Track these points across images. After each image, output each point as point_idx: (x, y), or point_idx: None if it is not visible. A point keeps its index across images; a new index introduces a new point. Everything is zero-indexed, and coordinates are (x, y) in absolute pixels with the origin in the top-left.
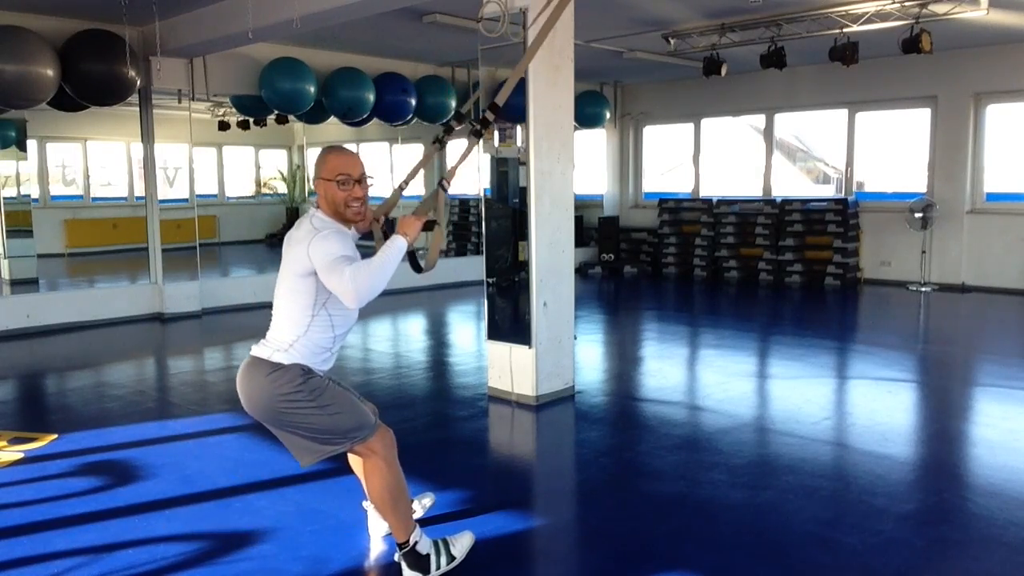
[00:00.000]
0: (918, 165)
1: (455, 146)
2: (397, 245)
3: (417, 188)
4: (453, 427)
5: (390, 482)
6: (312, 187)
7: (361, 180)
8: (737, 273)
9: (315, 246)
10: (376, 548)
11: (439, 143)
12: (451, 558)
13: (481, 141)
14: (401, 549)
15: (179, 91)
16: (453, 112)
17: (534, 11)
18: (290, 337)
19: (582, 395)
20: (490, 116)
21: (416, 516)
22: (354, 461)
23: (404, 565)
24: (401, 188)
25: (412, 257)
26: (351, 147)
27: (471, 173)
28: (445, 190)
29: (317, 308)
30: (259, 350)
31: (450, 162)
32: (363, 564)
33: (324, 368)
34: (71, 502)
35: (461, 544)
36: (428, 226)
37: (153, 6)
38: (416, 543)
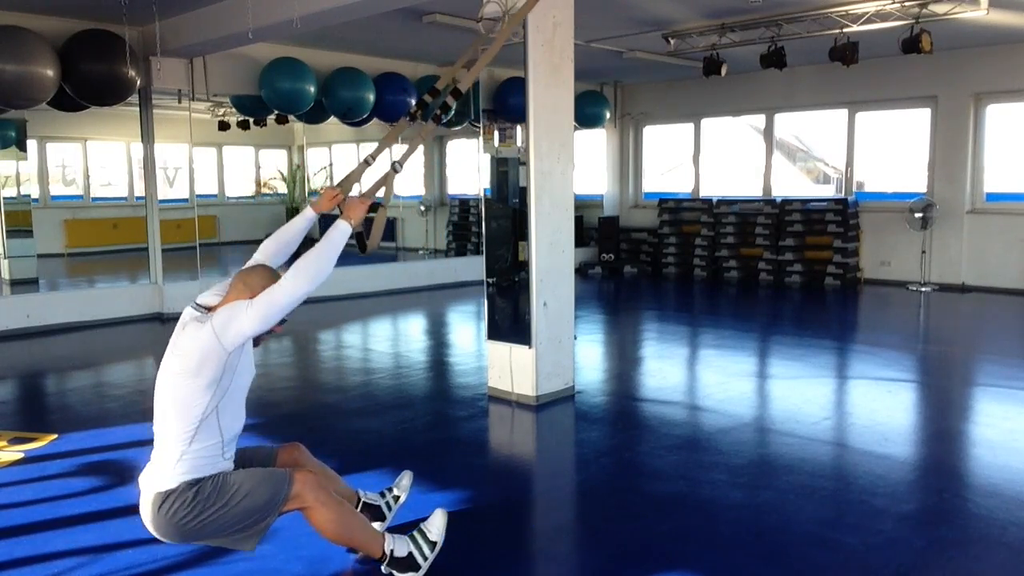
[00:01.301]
0: (918, 165)
1: (459, 147)
2: (340, 229)
3: (417, 187)
4: (453, 427)
5: (332, 518)
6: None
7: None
8: (737, 273)
9: (221, 313)
10: None
11: (410, 117)
12: (432, 544)
13: (481, 141)
14: (383, 563)
15: (179, 91)
16: (429, 88)
17: (535, 13)
18: (174, 455)
19: (582, 395)
20: (451, 101)
21: (401, 501)
22: None
23: (395, 573)
24: (367, 163)
25: (359, 238)
26: (351, 147)
27: (471, 173)
28: (396, 172)
29: (208, 412)
30: (145, 482)
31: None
32: (363, 564)
33: (224, 467)
34: (71, 502)
35: (435, 527)
36: (373, 208)
37: (153, 6)
38: (392, 550)
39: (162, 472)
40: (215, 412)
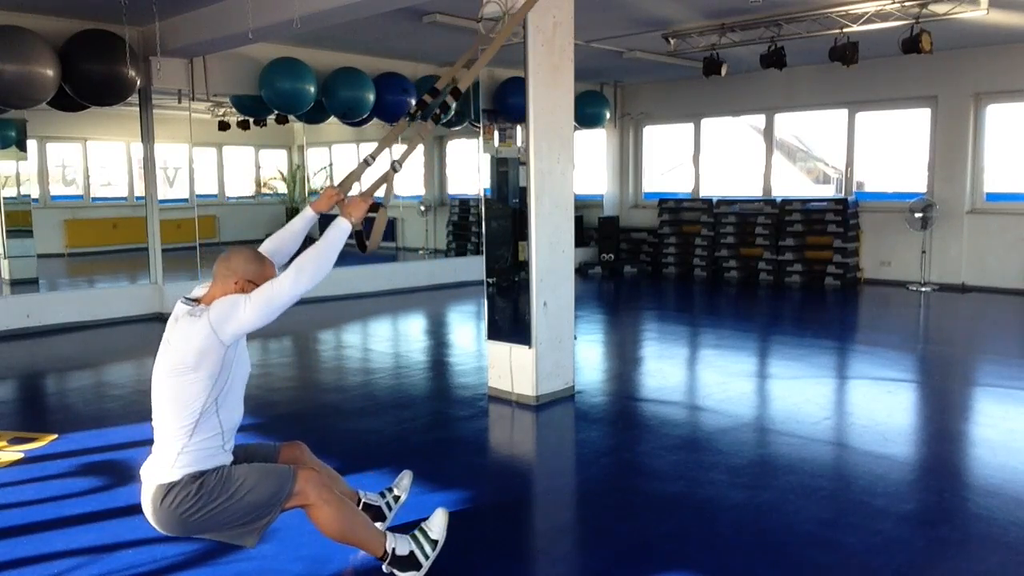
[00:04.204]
0: (918, 165)
1: (459, 147)
2: (340, 227)
3: (417, 187)
4: (453, 427)
5: (335, 516)
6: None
7: None
8: (737, 273)
9: (217, 307)
10: None
11: (410, 117)
12: (433, 543)
13: (481, 141)
14: (384, 561)
15: (179, 91)
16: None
17: (535, 13)
18: (175, 448)
19: (582, 395)
20: (451, 101)
21: (402, 501)
22: None
23: (395, 572)
24: (366, 163)
25: (359, 236)
26: (351, 147)
27: (471, 173)
28: (396, 171)
29: (207, 405)
30: (147, 475)
31: (452, 161)
32: (363, 564)
33: (223, 460)
34: (71, 502)
35: (437, 526)
36: (374, 208)
37: (153, 6)
38: (394, 548)
39: (164, 465)
40: (214, 405)
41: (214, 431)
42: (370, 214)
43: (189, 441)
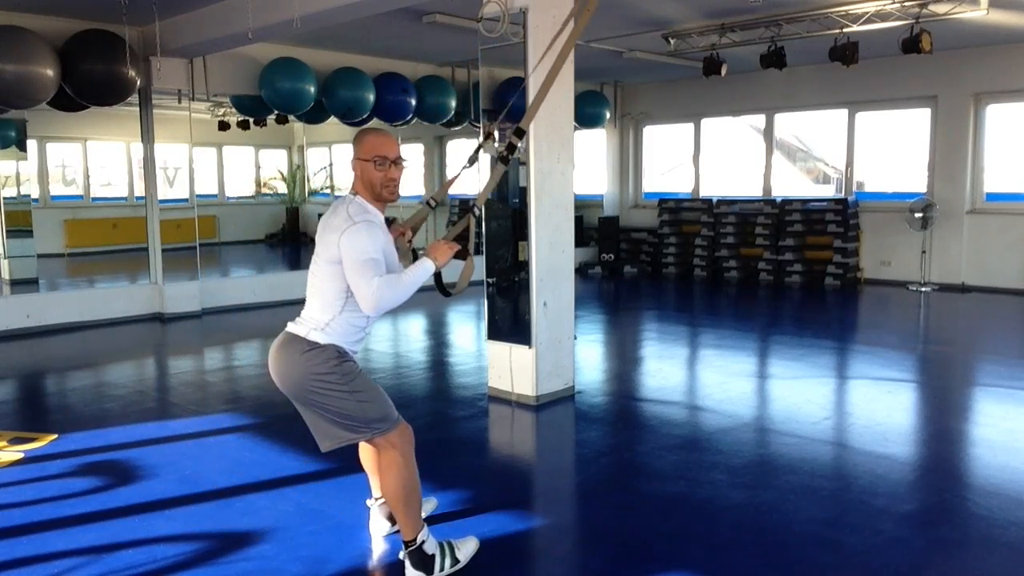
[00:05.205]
0: (918, 165)
1: (459, 147)
2: (425, 268)
3: (417, 188)
4: (453, 427)
5: (405, 477)
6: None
7: (396, 161)
8: (737, 273)
9: (347, 239)
10: (376, 548)
11: (471, 162)
12: (455, 561)
13: (482, 141)
14: (407, 547)
15: (179, 91)
16: (481, 137)
17: (535, 12)
18: (326, 317)
19: (582, 395)
20: (516, 141)
21: None
22: (365, 456)
23: (408, 563)
24: (430, 205)
25: (439, 279)
26: (351, 148)
27: (471, 173)
28: (476, 216)
29: (351, 292)
30: (295, 327)
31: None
32: (363, 564)
33: (356, 349)
34: (71, 502)
35: (466, 549)
36: (460, 255)
37: (153, 6)
38: (423, 542)
39: (316, 327)
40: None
41: (361, 313)
42: (457, 258)
43: (339, 315)
